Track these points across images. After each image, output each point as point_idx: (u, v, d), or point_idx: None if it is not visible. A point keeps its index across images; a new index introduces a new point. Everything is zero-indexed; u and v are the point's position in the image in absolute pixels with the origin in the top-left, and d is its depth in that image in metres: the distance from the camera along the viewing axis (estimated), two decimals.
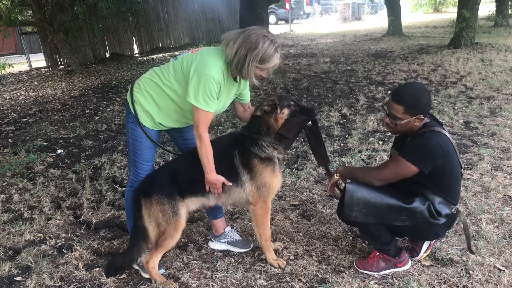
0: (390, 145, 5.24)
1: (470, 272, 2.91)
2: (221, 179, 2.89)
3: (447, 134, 2.73)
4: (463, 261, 3.03)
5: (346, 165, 4.26)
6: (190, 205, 3.00)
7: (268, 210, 3.06)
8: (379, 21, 26.75)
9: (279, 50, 2.72)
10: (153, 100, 2.89)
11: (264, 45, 2.63)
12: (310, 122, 3.01)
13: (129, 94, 2.96)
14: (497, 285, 2.77)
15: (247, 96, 3.17)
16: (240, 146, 2.97)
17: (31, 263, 3.27)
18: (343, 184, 2.96)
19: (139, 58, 16.47)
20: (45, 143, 6.42)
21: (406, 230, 2.87)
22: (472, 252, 2.99)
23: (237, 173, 2.95)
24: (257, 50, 2.62)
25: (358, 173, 2.94)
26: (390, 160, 2.88)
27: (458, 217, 2.85)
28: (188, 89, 2.69)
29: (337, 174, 3.03)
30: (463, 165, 2.85)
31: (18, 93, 10.83)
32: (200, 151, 2.82)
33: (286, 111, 2.92)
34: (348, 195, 2.74)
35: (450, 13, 26.90)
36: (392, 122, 2.80)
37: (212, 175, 2.86)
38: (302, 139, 5.70)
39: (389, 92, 7.91)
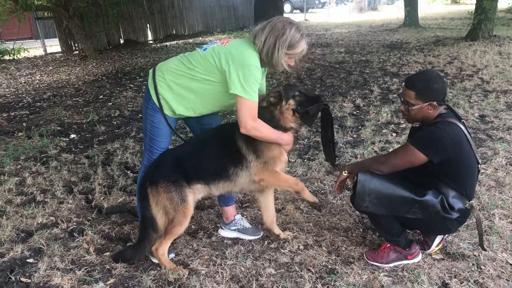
0: (404, 137, 5.22)
1: (482, 267, 2.88)
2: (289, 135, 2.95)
3: (461, 126, 2.68)
4: (475, 256, 2.99)
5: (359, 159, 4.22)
6: (196, 192, 2.97)
7: (279, 173, 2.95)
8: (395, 11, 26.37)
9: (305, 37, 2.80)
10: (179, 93, 2.86)
11: (291, 31, 2.72)
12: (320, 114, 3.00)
13: (151, 80, 2.92)
14: (508, 280, 2.74)
15: (263, 87, 3.15)
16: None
17: (43, 246, 3.30)
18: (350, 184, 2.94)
19: (153, 45, 16.47)
20: (58, 128, 6.47)
21: (417, 223, 2.84)
22: (484, 249, 2.94)
23: (242, 156, 2.91)
24: (285, 36, 2.70)
25: (367, 163, 2.95)
26: (400, 147, 2.87)
27: (471, 213, 2.81)
28: (233, 82, 2.69)
29: (346, 172, 2.99)
30: (480, 160, 2.79)
31: (33, 78, 10.90)
32: (263, 137, 2.84)
33: (292, 102, 2.89)
34: (360, 185, 2.72)
35: (468, 4, 26.43)
36: (406, 109, 2.79)
37: (284, 137, 2.91)
38: (314, 129, 5.66)
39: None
